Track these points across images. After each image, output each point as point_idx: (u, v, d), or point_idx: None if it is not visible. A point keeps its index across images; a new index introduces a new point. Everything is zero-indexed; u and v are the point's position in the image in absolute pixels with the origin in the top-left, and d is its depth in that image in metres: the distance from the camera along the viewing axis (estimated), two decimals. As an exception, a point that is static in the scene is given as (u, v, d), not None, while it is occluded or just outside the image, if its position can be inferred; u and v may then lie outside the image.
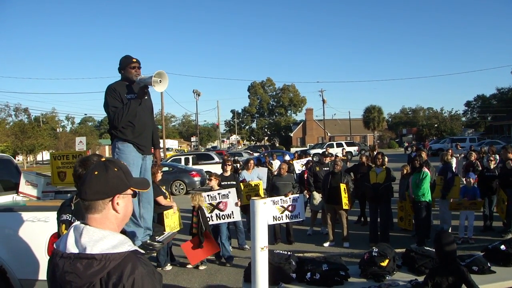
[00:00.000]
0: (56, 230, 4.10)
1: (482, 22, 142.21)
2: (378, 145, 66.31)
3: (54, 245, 1.98)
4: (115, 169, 2.00)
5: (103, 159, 2.18)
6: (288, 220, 9.64)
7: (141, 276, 1.81)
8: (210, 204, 8.74)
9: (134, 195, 2.08)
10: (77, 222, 1.96)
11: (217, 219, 8.75)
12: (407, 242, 9.42)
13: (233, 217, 8.89)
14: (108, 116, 4.99)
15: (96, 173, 1.95)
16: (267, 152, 39.38)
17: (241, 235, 10.02)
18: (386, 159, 11.47)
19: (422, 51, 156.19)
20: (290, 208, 9.54)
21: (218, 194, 8.79)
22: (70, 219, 3.79)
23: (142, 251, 2.01)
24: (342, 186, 9.88)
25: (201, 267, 8.65)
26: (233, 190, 8.99)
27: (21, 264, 5.42)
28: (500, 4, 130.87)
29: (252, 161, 12.19)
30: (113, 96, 4.98)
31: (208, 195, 8.71)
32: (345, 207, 9.90)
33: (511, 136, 53.99)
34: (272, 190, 10.53)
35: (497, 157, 13.04)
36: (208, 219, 8.60)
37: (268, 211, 9.19)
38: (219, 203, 8.74)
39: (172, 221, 8.34)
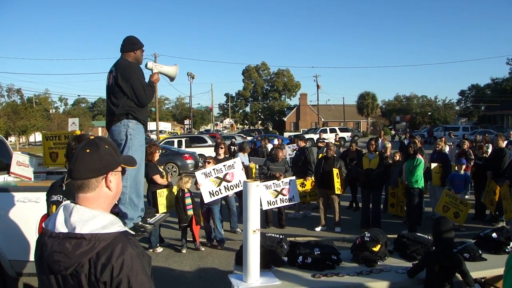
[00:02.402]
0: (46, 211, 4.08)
1: (479, 12, 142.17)
2: (371, 131, 66.66)
3: (43, 225, 1.95)
4: (106, 146, 1.97)
5: (92, 137, 2.15)
6: (283, 204, 9.62)
7: (131, 257, 1.79)
8: (217, 177, 8.61)
9: (123, 172, 2.05)
10: (67, 202, 1.93)
11: (225, 191, 8.55)
12: (399, 228, 9.50)
13: (241, 186, 8.78)
14: (134, 91, 4.71)
15: (88, 150, 1.92)
16: (261, 136, 39.41)
17: (233, 218, 10.02)
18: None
19: (418, 39, 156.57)
20: (283, 191, 9.51)
21: (224, 166, 8.60)
22: (60, 200, 3.76)
23: (132, 232, 1.99)
24: (335, 171, 9.90)
25: (202, 248, 8.77)
26: (237, 159, 8.90)
27: (12, 245, 5.39)
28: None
29: (248, 145, 12.21)
30: (142, 74, 4.88)
31: (213, 169, 8.57)
32: (338, 191, 9.95)
33: (504, 126, 54.22)
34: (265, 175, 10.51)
35: (490, 146, 13.09)
36: (217, 192, 8.52)
37: (262, 196, 9.22)
38: (226, 174, 8.58)
39: (165, 200, 8.34)
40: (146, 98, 4.77)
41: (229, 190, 8.62)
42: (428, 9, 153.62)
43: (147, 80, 4.90)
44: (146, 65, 5.15)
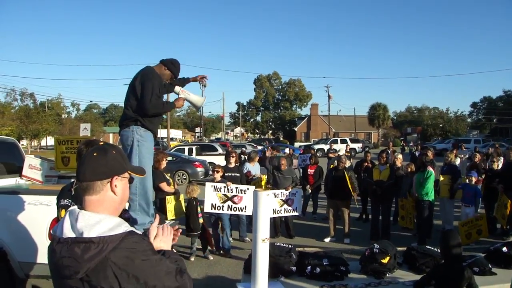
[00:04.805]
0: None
1: (492, 24, 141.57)
2: (382, 143, 66.45)
3: (51, 231, 1.97)
4: (114, 152, 2.02)
5: (102, 143, 2.18)
6: (285, 214, 9.63)
7: (142, 253, 1.82)
8: (225, 195, 8.71)
9: (130, 180, 2.09)
10: (73, 207, 1.96)
11: (228, 210, 8.72)
12: (408, 240, 9.43)
13: (245, 211, 8.84)
14: (142, 92, 4.77)
15: (95, 154, 1.97)
16: (271, 145, 39.45)
17: (242, 226, 10.02)
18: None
19: (430, 51, 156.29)
20: (288, 202, 9.55)
21: (236, 188, 8.78)
22: (69, 204, 3.80)
23: (139, 232, 2.00)
24: (347, 175, 10.00)
25: (210, 257, 8.75)
26: (251, 188, 8.96)
27: (22, 247, 5.43)
28: (509, 6, 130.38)
29: (256, 154, 12.23)
30: (158, 83, 4.94)
31: (224, 186, 8.71)
32: (353, 193, 10.09)
33: (516, 139, 53.85)
34: (274, 184, 10.55)
35: (501, 159, 13.01)
36: (219, 207, 8.66)
37: (270, 204, 9.21)
38: (234, 196, 8.72)
39: (174, 207, 8.37)
40: (150, 105, 4.75)
41: (231, 211, 8.77)
42: (441, 21, 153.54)
43: (171, 100, 5.03)
44: (174, 91, 5.30)
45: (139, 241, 1.86)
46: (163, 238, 2.18)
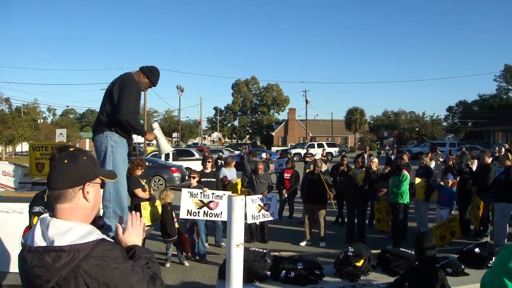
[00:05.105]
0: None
1: (467, 29, 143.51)
2: (359, 147, 66.90)
3: (22, 239, 1.95)
4: (84, 158, 1.99)
5: (71, 149, 2.16)
6: (264, 219, 9.68)
7: (113, 260, 1.80)
8: (201, 201, 8.74)
9: (102, 185, 2.07)
10: (44, 214, 1.93)
11: (204, 216, 8.77)
12: (384, 243, 9.51)
13: (221, 217, 8.84)
14: (119, 98, 4.70)
15: (66, 161, 1.94)
16: (249, 150, 39.44)
17: (218, 231, 10.00)
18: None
19: (406, 56, 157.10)
20: (266, 207, 9.60)
21: (213, 194, 8.84)
22: (41, 211, 3.76)
23: (110, 239, 1.98)
24: (323, 178, 10.08)
25: (186, 263, 8.70)
26: (228, 193, 8.96)
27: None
28: (485, 13, 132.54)
29: (233, 159, 12.25)
30: (138, 94, 4.91)
31: (201, 193, 8.74)
32: (329, 192, 10.10)
33: (490, 142, 54.67)
34: (250, 188, 10.59)
35: (476, 161, 13.21)
36: (194, 213, 8.71)
37: (248, 210, 9.28)
38: (210, 201, 8.75)
39: (150, 213, 8.34)
40: (126, 113, 4.68)
41: (207, 216, 8.84)
42: (417, 26, 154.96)
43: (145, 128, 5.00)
44: (152, 124, 5.34)
45: (111, 248, 1.84)
46: (133, 232, 2.17)
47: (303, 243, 10.16)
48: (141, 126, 5.01)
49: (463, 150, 19.83)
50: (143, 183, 8.73)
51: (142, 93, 5.52)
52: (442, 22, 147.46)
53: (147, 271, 1.96)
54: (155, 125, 5.38)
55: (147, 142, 49.67)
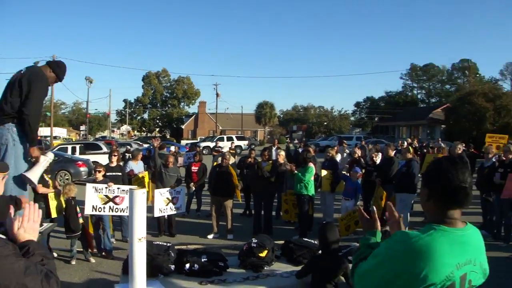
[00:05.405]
0: None
1: (375, 29, 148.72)
2: (268, 140, 67.81)
3: None
4: None
5: None
6: (172, 212, 9.64)
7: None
8: (106, 196, 8.60)
9: None
10: None
11: (109, 211, 8.69)
12: (291, 234, 9.69)
13: (127, 212, 8.70)
14: (28, 95, 4.54)
15: None
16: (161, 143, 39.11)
17: (125, 226, 9.78)
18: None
19: (316, 51, 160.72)
20: (174, 200, 9.55)
21: (118, 188, 8.78)
22: None
23: (3, 236, 1.90)
24: (231, 168, 10.27)
25: (92, 260, 8.46)
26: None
27: None
28: (392, 14, 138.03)
29: (139, 152, 12.10)
30: (46, 90, 4.83)
31: (106, 187, 8.63)
32: (236, 182, 10.27)
33: (395, 136, 57.36)
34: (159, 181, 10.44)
35: (380, 154, 13.73)
36: (100, 209, 8.60)
37: (156, 203, 9.40)
38: (116, 196, 8.64)
39: (56, 205, 8.08)
40: (32, 114, 4.55)
41: (113, 212, 8.78)
42: (327, 24, 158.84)
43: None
44: (48, 152, 5.26)
45: (2, 245, 1.75)
46: (28, 226, 2.04)
47: (210, 236, 10.15)
48: (36, 133, 4.81)
49: (362, 143, 20.69)
50: (47, 178, 8.37)
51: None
52: (351, 22, 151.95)
53: (41, 268, 1.85)
54: (50, 155, 5.17)
55: (53, 136, 48.09)
